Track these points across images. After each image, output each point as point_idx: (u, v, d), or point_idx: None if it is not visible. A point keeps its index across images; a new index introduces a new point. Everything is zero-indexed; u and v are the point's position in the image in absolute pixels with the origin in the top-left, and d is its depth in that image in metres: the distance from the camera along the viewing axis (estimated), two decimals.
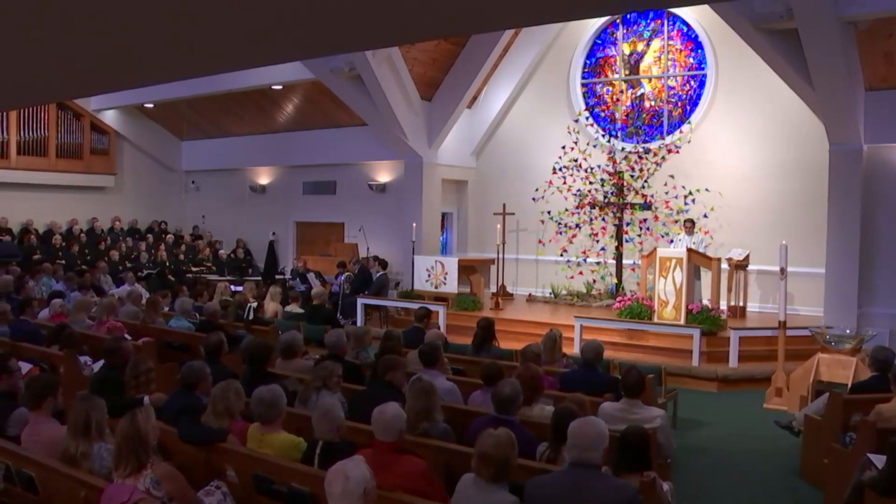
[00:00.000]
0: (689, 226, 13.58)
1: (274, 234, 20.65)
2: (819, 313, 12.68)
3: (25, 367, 6.82)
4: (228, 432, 4.96)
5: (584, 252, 15.98)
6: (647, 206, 15.20)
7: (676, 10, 15.32)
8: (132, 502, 3.91)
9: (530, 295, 16.53)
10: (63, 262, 17.14)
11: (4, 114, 18.47)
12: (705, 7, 13.95)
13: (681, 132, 15.37)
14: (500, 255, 16.20)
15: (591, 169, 15.58)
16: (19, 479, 4.61)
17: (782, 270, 10.18)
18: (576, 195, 15.85)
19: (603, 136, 16.20)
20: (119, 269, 17.20)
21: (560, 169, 16.02)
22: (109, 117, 20.90)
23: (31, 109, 18.93)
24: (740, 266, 13.58)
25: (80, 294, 12.56)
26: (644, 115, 16.17)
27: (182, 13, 2.00)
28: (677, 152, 15.01)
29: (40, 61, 2.43)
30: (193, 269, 19.38)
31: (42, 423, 5.04)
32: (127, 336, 8.36)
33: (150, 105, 20.42)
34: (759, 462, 7.88)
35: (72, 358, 7.48)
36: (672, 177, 15.00)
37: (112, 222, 20.69)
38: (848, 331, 9.95)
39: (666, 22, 15.76)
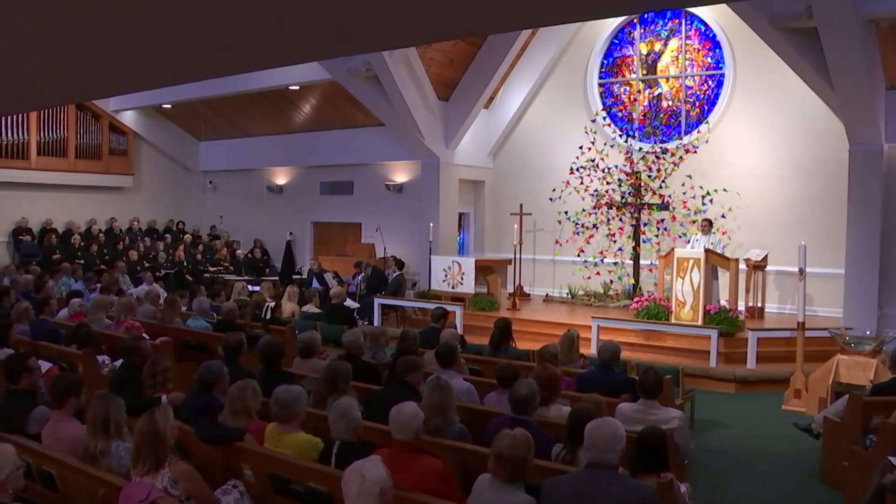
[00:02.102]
0: (706, 225, 13.49)
1: (291, 234, 20.71)
2: (838, 314, 12.59)
3: (45, 365, 6.88)
4: (246, 431, 4.98)
5: (602, 252, 15.94)
6: (664, 207, 15.14)
7: (694, 10, 15.25)
8: (150, 500, 3.93)
9: (547, 295, 16.50)
10: (82, 261, 17.29)
11: (25, 115, 18.62)
12: (723, 6, 13.86)
13: (698, 132, 15.29)
14: (517, 256, 16.18)
15: (609, 169, 15.53)
16: (39, 477, 4.64)
17: (801, 271, 10.11)
18: (593, 195, 15.81)
19: (620, 136, 16.15)
20: (137, 269, 17.30)
21: (577, 169, 15.98)
22: (128, 118, 21.04)
23: (50, 110, 19.08)
24: (758, 267, 13.50)
25: (99, 294, 12.64)
26: (661, 115, 16.10)
27: (198, 14, 2.01)
28: (695, 152, 14.94)
29: (59, 63, 2.45)
30: (211, 268, 19.47)
31: (62, 422, 5.08)
32: (145, 335, 8.39)
33: (168, 106, 20.54)
34: (778, 464, 7.83)
35: (90, 357, 7.53)
36: (690, 177, 14.93)
37: (130, 222, 20.83)
38: (868, 332, 9.88)
39: (683, 21, 15.69)
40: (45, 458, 4.67)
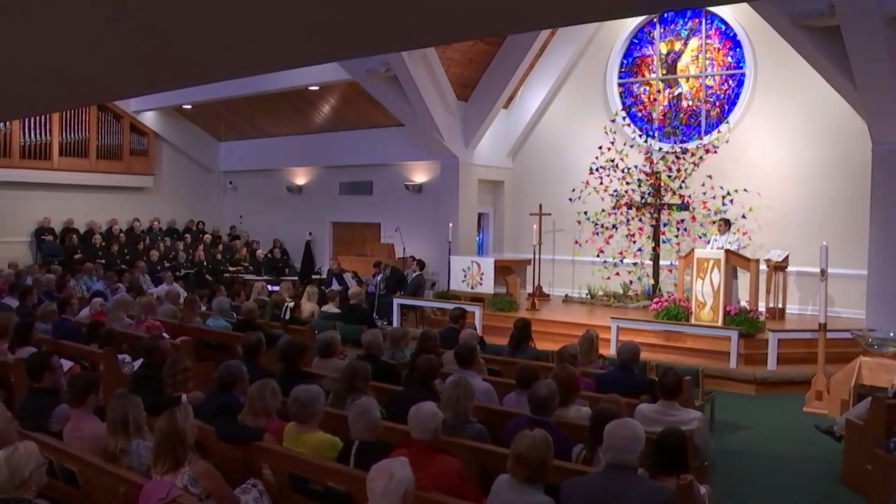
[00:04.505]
0: (723, 225, 13.39)
1: (310, 234, 20.78)
2: (860, 316, 12.44)
3: (66, 364, 6.93)
4: (265, 431, 5.00)
5: (621, 253, 15.88)
6: (684, 207, 15.06)
7: (714, 9, 15.15)
8: (170, 499, 3.95)
9: (566, 296, 16.46)
10: (103, 261, 17.41)
11: (47, 116, 18.81)
12: (744, 5, 13.76)
13: (719, 132, 15.20)
14: (537, 256, 16.14)
15: (628, 169, 15.47)
16: (62, 474, 4.68)
17: (823, 272, 10.02)
18: (612, 196, 15.76)
19: (640, 136, 16.08)
20: (157, 269, 17.41)
21: (597, 169, 15.93)
22: (148, 119, 21.21)
23: (72, 111, 19.25)
24: (779, 267, 13.40)
25: (125, 293, 12.72)
26: (681, 115, 16.02)
27: (220, 16, 2.01)
28: (715, 152, 14.85)
29: (85, 64, 2.46)
30: (231, 268, 19.56)
31: (83, 420, 5.12)
32: (165, 335, 8.46)
33: (189, 106, 20.66)
34: (800, 467, 7.76)
35: (111, 356, 7.58)
36: (710, 177, 14.84)
37: (151, 222, 20.97)
38: (891, 334, 9.74)
39: (704, 21, 15.60)
40: (67, 456, 4.72)
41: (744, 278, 12.90)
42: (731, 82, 15.40)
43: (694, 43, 15.84)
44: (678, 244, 15.19)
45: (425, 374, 6.20)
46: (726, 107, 15.40)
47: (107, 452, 4.63)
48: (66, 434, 5.09)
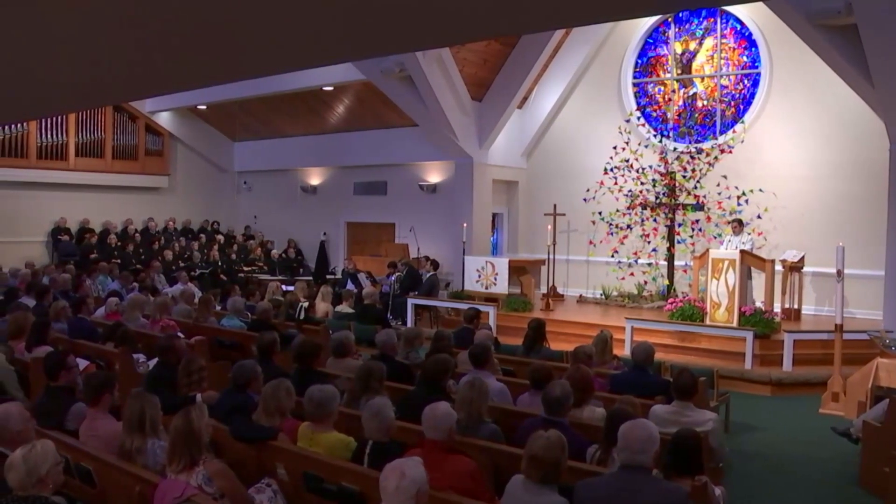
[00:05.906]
0: (737, 226, 13.35)
1: (325, 234, 20.81)
2: (877, 317, 12.37)
3: (82, 363, 6.97)
4: (279, 430, 5.01)
5: (636, 253, 15.85)
6: (699, 207, 15.01)
7: (729, 8, 15.08)
8: (185, 497, 3.97)
9: (581, 296, 16.43)
10: (118, 261, 17.49)
11: (64, 117, 18.92)
12: (759, 4, 13.68)
13: (734, 132, 15.14)
14: (551, 256, 16.12)
15: (643, 169, 15.44)
16: (78, 472, 4.71)
17: (839, 272, 9.96)
18: (627, 196, 15.73)
19: (655, 136, 16.04)
20: (172, 269, 17.48)
21: (611, 169, 15.91)
22: (164, 119, 21.28)
23: (88, 112, 19.37)
24: (795, 268, 13.33)
25: (140, 293, 12.78)
26: (696, 115, 15.96)
27: (235, 17, 2.02)
28: (730, 152, 14.79)
29: (100, 66, 2.47)
30: (245, 268, 19.63)
31: (99, 419, 5.15)
32: (180, 334, 8.49)
33: (203, 107, 20.72)
34: (816, 469, 7.71)
35: (126, 355, 7.62)
36: (725, 177, 14.79)
37: (166, 222, 21.05)
38: None
39: (719, 20, 15.53)
40: (84, 455, 4.74)
41: (759, 279, 12.83)
42: (746, 82, 15.33)
43: (709, 42, 15.77)
44: (693, 244, 15.15)
45: (433, 374, 6.19)
46: (741, 106, 15.34)
47: (123, 451, 4.66)
48: (83, 433, 5.13)
